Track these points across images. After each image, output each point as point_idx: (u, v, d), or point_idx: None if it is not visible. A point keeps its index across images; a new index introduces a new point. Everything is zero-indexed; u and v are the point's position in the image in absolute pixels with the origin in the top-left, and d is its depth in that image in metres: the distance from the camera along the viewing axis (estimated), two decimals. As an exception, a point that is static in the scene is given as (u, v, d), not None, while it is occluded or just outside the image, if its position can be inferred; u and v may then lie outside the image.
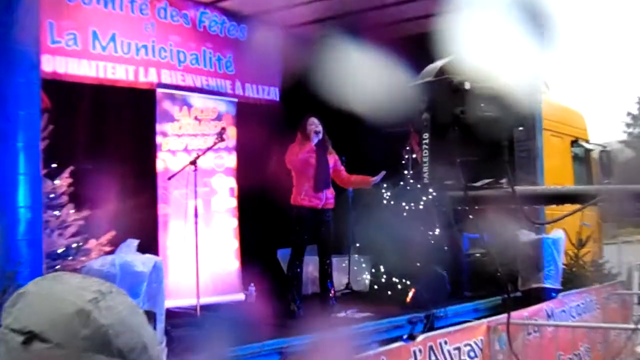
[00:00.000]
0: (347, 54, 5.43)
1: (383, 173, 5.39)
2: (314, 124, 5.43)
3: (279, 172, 5.70)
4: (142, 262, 4.04)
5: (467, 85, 2.21)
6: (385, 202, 6.62)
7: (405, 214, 6.34)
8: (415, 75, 2.43)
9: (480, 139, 2.32)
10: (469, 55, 2.11)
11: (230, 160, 6.43)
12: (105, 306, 0.93)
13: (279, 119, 6.67)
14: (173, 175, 5.48)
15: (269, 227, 6.58)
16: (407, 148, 6.48)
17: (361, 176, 5.64)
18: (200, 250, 5.31)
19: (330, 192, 5.52)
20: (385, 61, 5.49)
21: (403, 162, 6.61)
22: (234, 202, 6.43)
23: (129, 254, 4.16)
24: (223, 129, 5.52)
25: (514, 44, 2.03)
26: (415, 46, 5.45)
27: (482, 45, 2.03)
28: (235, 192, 6.48)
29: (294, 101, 6.73)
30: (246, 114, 6.52)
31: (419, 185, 6.03)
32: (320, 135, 5.35)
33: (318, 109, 5.71)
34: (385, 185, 6.57)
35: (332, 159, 5.64)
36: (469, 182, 2.41)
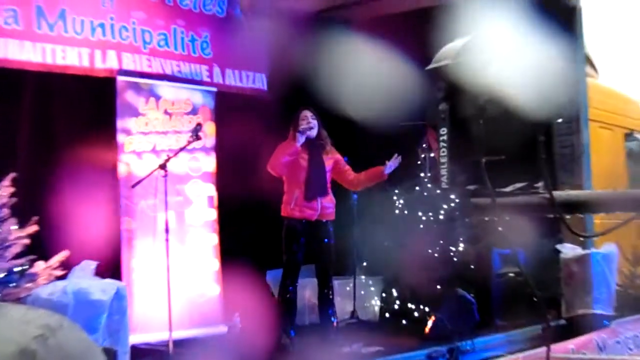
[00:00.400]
0: (347, 33, 5.75)
1: (398, 159, 5.39)
2: (306, 119, 5.41)
3: (269, 176, 5.72)
4: (101, 289, 3.97)
5: (494, 68, 2.18)
6: (397, 211, 6.60)
7: (422, 225, 6.33)
8: (425, 58, 2.50)
9: (511, 134, 2.33)
10: (493, 33, 2.05)
11: (209, 162, 6.31)
12: (55, 344, 0.91)
13: (268, 112, 6.61)
14: (138, 182, 5.42)
15: (257, 244, 6.51)
16: (424, 145, 6.55)
17: (370, 170, 5.64)
18: (173, 274, 5.23)
19: (328, 201, 5.47)
20: (391, 42, 5.72)
21: (419, 162, 6.63)
22: (213, 214, 6.30)
23: (85, 279, 4.07)
24: (199, 124, 5.48)
25: (544, 19, 2.01)
26: (424, 23, 5.40)
27: (507, 20, 1.97)
28: (215, 202, 6.33)
29: (285, 91, 6.66)
30: (227, 106, 6.42)
31: (438, 191, 6.15)
32: (313, 133, 5.35)
33: (313, 101, 5.70)
34: (397, 191, 6.64)
35: (332, 159, 5.64)
36: (498, 186, 2.49)
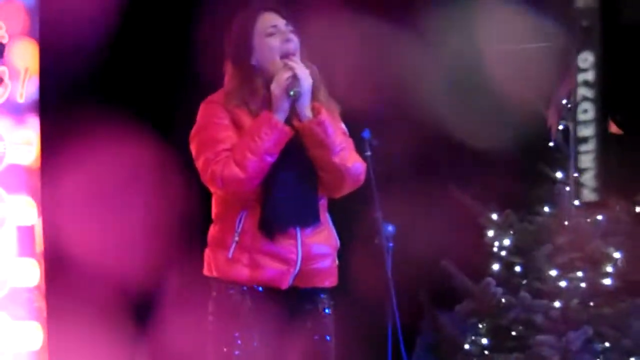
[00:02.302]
0: None
1: (293, 66, 4.35)
2: (278, 34, 4.14)
3: (173, 180, 5.58)
4: None
5: None
6: (496, 265, 5.73)
7: (562, 302, 5.45)
8: None
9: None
10: None
11: (22, 142, 5.42)
12: None
13: (169, 15, 5.91)
14: None
15: (151, 344, 5.79)
16: (565, 102, 5.56)
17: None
18: None
19: (320, 238, 4.12)
20: None
21: (551, 144, 5.78)
22: (33, 274, 5.36)
23: None
24: None
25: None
26: None
27: None
28: (39, 244, 5.39)
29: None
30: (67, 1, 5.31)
31: (586, 216, 5.53)
32: (304, 83, 4.08)
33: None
34: (495, 217, 5.86)
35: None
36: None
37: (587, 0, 5.18)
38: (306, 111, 3.99)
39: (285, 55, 4.00)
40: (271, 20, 4.05)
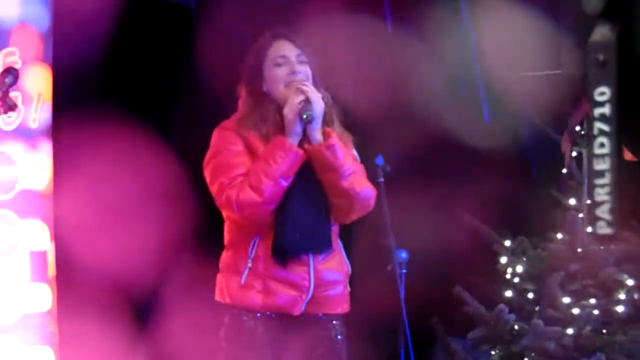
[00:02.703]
0: None
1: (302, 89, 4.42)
2: (287, 64, 4.28)
3: (187, 202, 5.68)
4: None
5: None
6: (509, 292, 5.72)
7: (567, 320, 5.51)
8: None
9: None
10: None
11: (35, 168, 5.38)
12: None
13: (187, 41, 5.95)
14: None
15: None
16: (578, 129, 5.63)
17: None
18: None
19: (332, 264, 4.23)
20: None
21: (565, 171, 5.78)
22: (46, 300, 5.32)
23: None
24: (11, 71, 4.13)
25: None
26: None
27: None
28: (51, 269, 5.29)
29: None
30: (84, 24, 5.46)
31: (599, 243, 5.61)
32: (316, 107, 4.17)
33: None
34: (507, 244, 5.90)
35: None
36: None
37: (604, 34, 5.13)
38: (317, 135, 4.09)
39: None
40: (281, 50, 4.21)
